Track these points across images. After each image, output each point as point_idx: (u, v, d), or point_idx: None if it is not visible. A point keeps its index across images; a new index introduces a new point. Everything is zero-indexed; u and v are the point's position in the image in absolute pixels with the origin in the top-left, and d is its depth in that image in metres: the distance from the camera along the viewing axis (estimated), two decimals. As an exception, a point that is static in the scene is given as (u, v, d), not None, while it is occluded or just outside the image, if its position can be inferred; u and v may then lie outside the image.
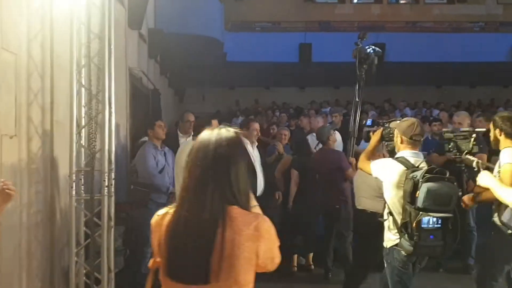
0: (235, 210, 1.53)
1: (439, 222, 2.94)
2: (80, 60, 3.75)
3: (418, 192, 2.90)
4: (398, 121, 3.45)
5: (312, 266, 5.72)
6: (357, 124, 4.90)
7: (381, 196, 3.40)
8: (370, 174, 3.45)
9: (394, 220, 3.12)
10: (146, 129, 5.37)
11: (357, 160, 4.02)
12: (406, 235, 3.00)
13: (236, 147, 1.59)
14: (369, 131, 3.78)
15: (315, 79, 15.20)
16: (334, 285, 5.16)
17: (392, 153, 3.40)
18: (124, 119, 6.47)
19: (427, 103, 15.46)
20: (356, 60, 4.76)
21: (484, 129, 3.80)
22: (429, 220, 2.92)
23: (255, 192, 1.91)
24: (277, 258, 1.58)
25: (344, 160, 5.15)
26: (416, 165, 3.08)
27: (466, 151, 3.51)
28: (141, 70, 7.58)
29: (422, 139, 3.24)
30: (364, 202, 4.50)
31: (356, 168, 4.20)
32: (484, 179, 3.06)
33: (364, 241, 4.47)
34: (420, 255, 3.10)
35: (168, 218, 1.58)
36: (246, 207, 1.57)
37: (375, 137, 3.57)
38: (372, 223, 3.81)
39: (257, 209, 1.64)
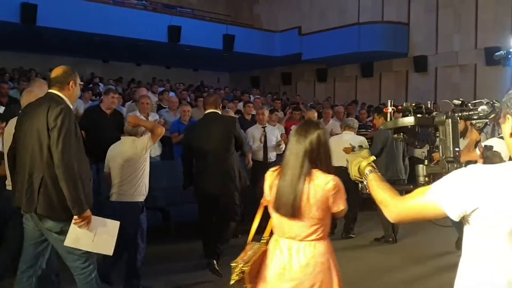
0: (317, 172, 2.37)
1: None
2: None
3: None
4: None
5: None
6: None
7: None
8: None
9: None
10: None
11: None
12: None
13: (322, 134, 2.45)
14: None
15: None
16: None
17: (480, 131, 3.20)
18: None
19: (96, 77, 14.66)
20: None
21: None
22: None
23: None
24: (342, 206, 2.41)
25: None
26: None
27: None
28: None
29: None
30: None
31: None
32: None
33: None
34: None
35: (276, 173, 2.45)
36: (326, 171, 2.38)
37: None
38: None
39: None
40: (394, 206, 1.59)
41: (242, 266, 2.35)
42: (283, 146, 6.66)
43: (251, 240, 2.50)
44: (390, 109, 1.96)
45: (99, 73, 16.15)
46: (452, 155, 1.76)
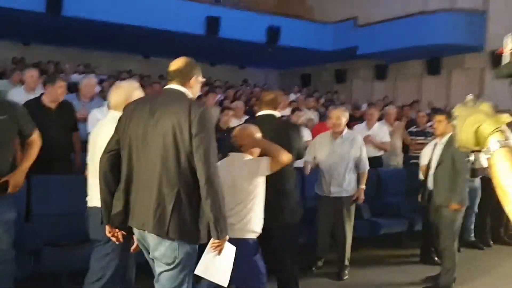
0: None
1: None
2: None
3: None
4: None
5: None
6: None
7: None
8: None
9: None
10: None
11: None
12: None
13: None
14: None
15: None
16: None
17: None
18: None
19: (131, 72, 13.67)
20: None
21: None
22: None
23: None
24: None
25: None
26: None
27: None
28: None
29: None
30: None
31: None
32: None
33: None
34: None
35: None
36: None
37: None
38: None
39: None
40: None
41: None
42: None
43: None
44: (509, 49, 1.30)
45: (143, 69, 15.18)
46: None
